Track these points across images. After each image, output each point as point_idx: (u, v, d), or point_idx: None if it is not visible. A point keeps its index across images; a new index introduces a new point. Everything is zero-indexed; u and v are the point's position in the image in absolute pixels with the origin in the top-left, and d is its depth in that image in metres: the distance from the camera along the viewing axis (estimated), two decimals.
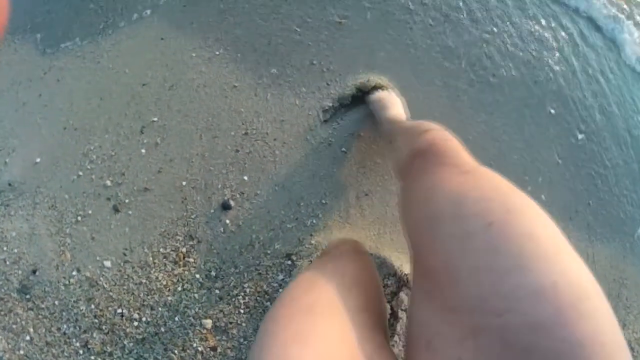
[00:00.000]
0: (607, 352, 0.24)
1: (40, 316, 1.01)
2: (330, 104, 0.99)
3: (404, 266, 0.92)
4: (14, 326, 1.02)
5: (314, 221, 0.93)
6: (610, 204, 1.16)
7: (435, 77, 1.08)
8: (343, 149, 0.96)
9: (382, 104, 0.89)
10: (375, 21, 1.08)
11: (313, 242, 0.91)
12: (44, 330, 1.01)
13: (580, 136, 1.17)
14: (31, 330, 1.02)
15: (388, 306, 0.91)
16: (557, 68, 1.19)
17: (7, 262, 1.04)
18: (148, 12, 1.11)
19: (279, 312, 0.37)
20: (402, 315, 0.90)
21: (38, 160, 1.06)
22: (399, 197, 0.49)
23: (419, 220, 0.39)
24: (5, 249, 1.05)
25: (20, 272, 1.04)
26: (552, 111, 1.17)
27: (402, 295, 0.91)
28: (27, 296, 1.03)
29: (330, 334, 0.35)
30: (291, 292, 0.41)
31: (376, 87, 0.97)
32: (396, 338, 0.90)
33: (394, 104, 0.89)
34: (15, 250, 1.04)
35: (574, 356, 0.24)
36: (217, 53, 1.03)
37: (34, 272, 1.03)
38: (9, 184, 1.07)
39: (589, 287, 0.28)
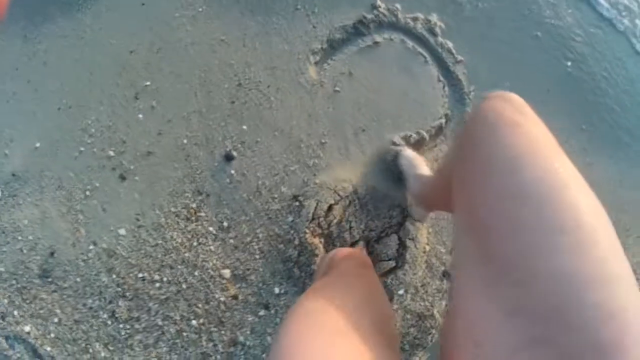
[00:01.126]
0: None
1: (64, 296, 1.04)
2: (319, 46, 0.99)
3: (405, 197, 0.94)
4: (41, 311, 1.05)
5: (316, 161, 0.94)
6: (601, 129, 1.17)
7: (425, 1, 1.07)
8: (336, 88, 0.96)
9: (413, 163, 0.89)
10: None
11: (317, 181, 0.93)
12: (70, 309, 1.03)
13: (568, 63, 1.16)
14: (58, 311, 1.05)
15: (395, 237, 0.93)
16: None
17: (24, 251, 1.06)
18: None
19: (296, 328, 0.35)
20: (409, 244, 0.92)
21: (38, 145, 1.07)
22: (457, 168, 0.42)
23: (492, 193, 0.33)
24: (20, 238, 1.07)
25: (38, 257, 1.06)
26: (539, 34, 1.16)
27: (408, 225, 0.93)
28: (49, 279, 1.05)
29: (351, 355, 0.33)
30: (306, 309, 0.38)
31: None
32: (406, 267, 0.92)
33: (423, 163, 0.90)
34: (30, 237, 1.06)
35: None
36: (200, 10, 1.02)
37: (52, 254, 1.05)
38: (13, 175, 1.08)
39: None
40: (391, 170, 0.95)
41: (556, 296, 0.27)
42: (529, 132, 0.35)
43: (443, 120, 1.01)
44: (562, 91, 1.17)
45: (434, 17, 1.06)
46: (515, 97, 0.40)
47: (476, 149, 0.37)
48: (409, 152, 0.92)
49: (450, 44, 1.06)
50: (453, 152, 0.47)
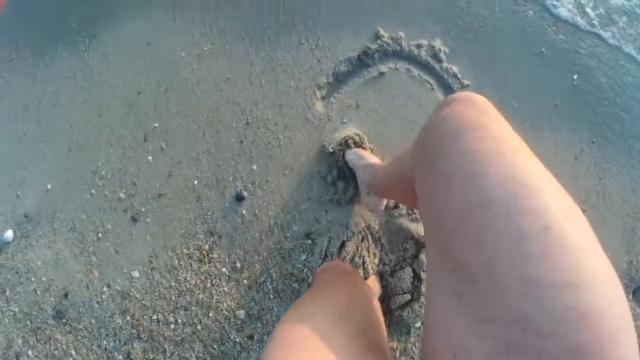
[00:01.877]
0: None
1: (79, 337, 1.04)
2: (325, 80, 0.98)
3: (419, 229, 0.93)
4: (56, 352, 1.05)
5: (327, 197, 0.93)
6: (612, 140, 1.15)
7: (428, 27, 1.06)
8: (344, 121, 0.96)
9: (360, 155, 0.89)
10: None
11: (329, 218, 0.92)
12: (85, 350, 1.03)
13: (574, 77, 1.15)
14: (73, 352, 1.05)
15: (410, 270, 0.92)
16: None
17: (38, 292, 1.07)
18: (130, 19, 1.11)
19: (272, 349, 0.36)
20: (424, 276, 0.91)
21: (49, 186, 1.08)
22: (420, 178, 0.40)
23: (456, 202, 0.32)
24: (33, 279, 1.08)
25: (52, 298, 1.06)
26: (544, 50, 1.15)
27: (422, 256, 0.91)
28: (63, 320, 1.05)
29: None
30: (282, 328, 0.39)
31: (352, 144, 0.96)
32: (422, 299, 0.91)
33: (372, 156, 0.91)
34: (44, 279, 1.07)
35: None
36: (206, 48, 1.03)
37: (66, 295, 1.05)
38: (25, 216, 1.09)
39: (627, 316, 0.27)
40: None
41: (527, 303, 0.26)
42: (493, 135, 0.33)
43: None
44: (570, 105, 1.15)
45: (437, 43, 1.06)
46: (478, 98, 0.39)
47: (438, 157, 0.36)
48: (352, 149, 0.92)
49: (455, 69, 1.05)
50: (412, 155, 0.44)
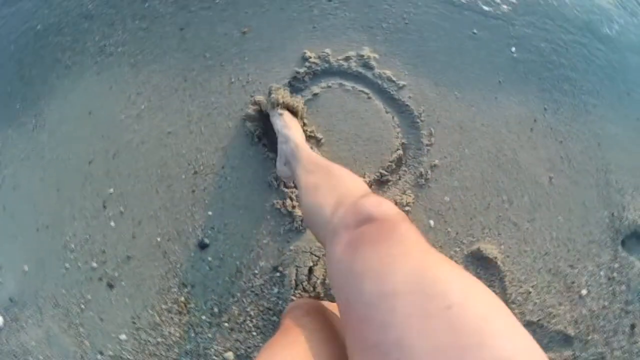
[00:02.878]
0: None
1: None
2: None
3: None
4: None
5: (286, 228, 0.95)
6: (565, 102, 1.16)
7: (353, 38, 1.08)
8: None
9: (288, 123, 0.88)
10: (277, 18, 1.08)
11: (292, 247, 0.94)
12: None
13: (512, 49, 1.16)
14: None
15: None
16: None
17: None
18: (69, 92, 1.13)
19: None
20: None
21: (26, 268, 1.10)
22: (330, 262, 0.47)
23: (362, 296, 0.38)
24: (31, 359, 1.10)
25: None
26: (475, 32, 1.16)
27: None
28: None
29: None
30: None
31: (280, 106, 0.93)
32: None
33: (298, 128, 0.89)
34: (41, 357, 1.09)
35: None
36: (143, 107, 1.05)
37: None
38: (10, 300, 1.11)
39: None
40: None
41: None
42: (404, 242, 0.41)
43: (400, 151, 1.02)
44: (513, 79, 1.16)
45: (366, 51, 1.07)
46: (385, 207, 0.47)
47: (354, 256, 0.42)
48: (286, 114, 0.91)
49: (389, 72, 1.07)
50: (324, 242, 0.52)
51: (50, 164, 1.11)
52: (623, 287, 1.10)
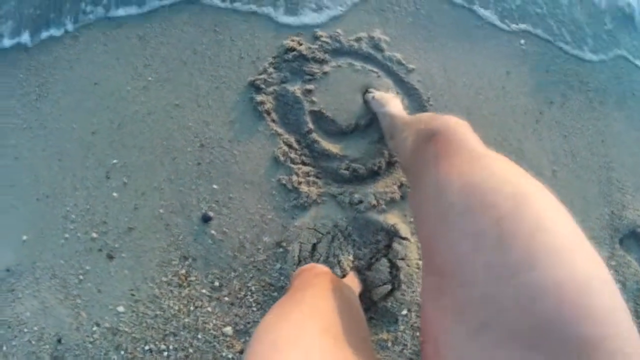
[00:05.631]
0: (611, 348, 0.25)
1: None
2: (271, 90, 0.99)
3: (388, 219, 0.94)
4: None
5: (291, 204, 0.95)
6: (571, 97, 1.16)
7: (365, 20, 1.08)
8: None
9: (381, 102, 0.92)
10: None
11: (296, 224, 0.94)
12: None
13: (522, 41, 1.16)
14: None
15: (386, 260, 0.93)
16: None
17: (33, 342, 1.08)
18: (75, 62, 1.11)
19: (252, 350, 0.39)
20: (401, 264, 0.93)
21: (25, 237, 1.09)
22: (410, 192, 0.49)
23: (429, 216, 0.38)
24: (26, 330, 1.09)
25: (47, 346, 1.07)
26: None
27: (395, 245, 0.93)
28: None
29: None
30: (259, 331, 0.42)
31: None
32: (403, 287, 0.93)
33: (393, 101, 0.93)
34: (36, 328, 1.08)
35: (577, 352, 0.25)
36: (150, 79, 1.04)
37: (59, 341, 1.06)
38: (7, 270, 1.09)
39: (594, 284, 0.27)
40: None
41: (489, 286, 0.29)
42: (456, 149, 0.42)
43: None
44: (521, 70, 1.17)
45: (377, 33, 1.07)
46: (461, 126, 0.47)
47: (432, 177, 0.42)
48: (378, 93, 0.97)
49: (399, 55, 1.07)
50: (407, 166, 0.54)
51: (52, 134, 1.10)
52: (619, 286, 1.10)
